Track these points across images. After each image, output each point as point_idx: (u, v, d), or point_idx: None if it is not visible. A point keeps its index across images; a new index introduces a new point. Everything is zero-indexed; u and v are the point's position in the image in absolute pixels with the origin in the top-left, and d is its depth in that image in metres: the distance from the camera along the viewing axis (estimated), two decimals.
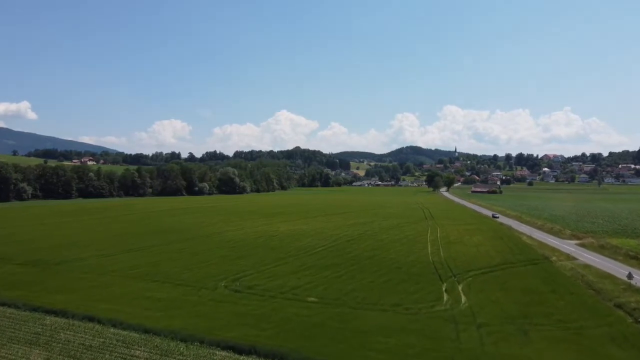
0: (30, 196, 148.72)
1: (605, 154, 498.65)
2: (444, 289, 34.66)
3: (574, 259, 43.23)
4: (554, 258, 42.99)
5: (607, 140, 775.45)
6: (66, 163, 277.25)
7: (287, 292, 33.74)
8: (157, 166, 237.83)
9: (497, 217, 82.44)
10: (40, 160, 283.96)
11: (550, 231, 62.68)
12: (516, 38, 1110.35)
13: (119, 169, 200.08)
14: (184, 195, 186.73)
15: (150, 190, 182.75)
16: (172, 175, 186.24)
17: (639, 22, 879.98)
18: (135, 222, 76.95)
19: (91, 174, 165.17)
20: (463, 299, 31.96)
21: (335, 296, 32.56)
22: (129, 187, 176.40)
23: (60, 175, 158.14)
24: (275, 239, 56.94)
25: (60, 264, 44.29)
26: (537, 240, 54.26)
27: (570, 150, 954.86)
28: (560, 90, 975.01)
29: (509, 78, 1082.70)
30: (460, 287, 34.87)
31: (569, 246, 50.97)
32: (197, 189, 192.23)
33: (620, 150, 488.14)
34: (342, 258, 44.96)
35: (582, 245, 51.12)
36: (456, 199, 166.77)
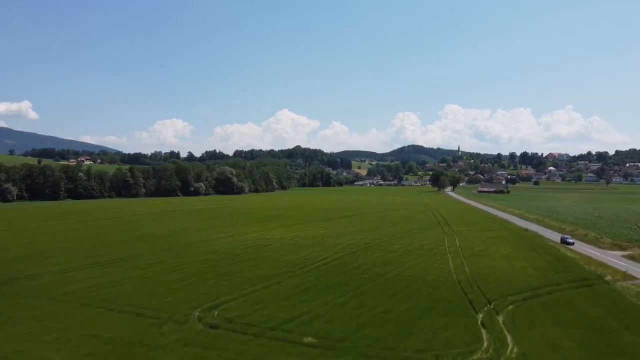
0: (15, 197, 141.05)
1: (610, 152, 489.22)
2: (479, 321, 26.72)
3: (634, 278, 35.20)
4: (608, 277, 34.91)
5: (609, 138, 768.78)
6: (62, 163, 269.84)
7: (277, 327, 25.81)
8: (153, 165, 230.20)
9: (572, 244, 49.42)
10: (36, 160, 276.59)
11: (585, 239, 54.60)
12: (517, 37, 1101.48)
13: (112, 169, 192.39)
14: (179, 195, 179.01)
15: (143, 190, 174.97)
16: (166, 175, 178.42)
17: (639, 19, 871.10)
18: (115, 227, 69.07)
19: (81, 174, 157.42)
20: (509, 339, 23.97)
21: (340, 334, 24.62)
22: (121, 188, 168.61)
23: (47, 175, 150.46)
24: (268, 249, 48.96)
25: (5, 284, 36.44)
26: (576, 251, 46.14)
27: (571, 149, 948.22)
28: (561, 88, 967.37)
29: (510, 77, 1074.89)
30: (501, 320, 26.89)
31: (616, 259, 42.90)
32: (192, 189, 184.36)
33: (627, 149, 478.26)
34: (346, 276, 36.96)
35: (631, 257, 43.08)
36: (465, 200, 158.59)
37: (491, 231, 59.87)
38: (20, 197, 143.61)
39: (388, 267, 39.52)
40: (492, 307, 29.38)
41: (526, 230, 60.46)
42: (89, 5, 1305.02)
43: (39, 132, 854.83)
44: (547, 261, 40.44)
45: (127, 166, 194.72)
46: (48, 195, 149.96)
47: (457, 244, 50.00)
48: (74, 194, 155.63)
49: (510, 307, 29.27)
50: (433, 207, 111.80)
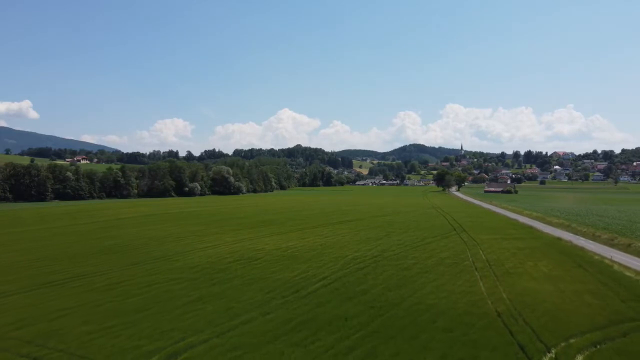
0: None
1: (611, 150, 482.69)
2: None
3: None
4: None
5: (610, 137, 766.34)
6: (58, 162, 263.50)
7: None
8: (148, 165, 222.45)
9: None
10: (33, 160, 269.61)
11: (629, 250, 46.39)
12: (518, 36, 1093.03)
13: (103, 168, 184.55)
14: (172, 196, 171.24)
15: (135, 191, 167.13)
16: (159, 175, 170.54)
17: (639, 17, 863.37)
18: (87, 235, 61.16)
19: (68, 174, 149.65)
20: None
21: None
22: (112, 188, 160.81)
23: (33, 175, 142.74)
24: (257, 264, 40.96)
25: None
26: (630, 267, 37.99)
27: (572, 148, 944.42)
28: (562, 87, 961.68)
29: (511, 76, 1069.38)
30: None
31: None
32: (187, 189, 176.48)
33: (634, 148, 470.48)
34: (352, 304, 28.93)
35: None
36: (474, 201, 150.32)
37: (518, 240, 51.67)
38: (4, 198, 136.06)
39: (404, 290, 31.44)
40: (553, 356, 21.37)
41: (559, 239, 52.18)
42: (90, 4, 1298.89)
43: (39, 132, 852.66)
44: (604, 283, 32.30)
45: (118, 165, 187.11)
46: (34, 196, 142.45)
47: (483, 257, 41.89)
48: (61, 195, 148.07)
49: (579, 358, 21.23)
50: (443, 210, 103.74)
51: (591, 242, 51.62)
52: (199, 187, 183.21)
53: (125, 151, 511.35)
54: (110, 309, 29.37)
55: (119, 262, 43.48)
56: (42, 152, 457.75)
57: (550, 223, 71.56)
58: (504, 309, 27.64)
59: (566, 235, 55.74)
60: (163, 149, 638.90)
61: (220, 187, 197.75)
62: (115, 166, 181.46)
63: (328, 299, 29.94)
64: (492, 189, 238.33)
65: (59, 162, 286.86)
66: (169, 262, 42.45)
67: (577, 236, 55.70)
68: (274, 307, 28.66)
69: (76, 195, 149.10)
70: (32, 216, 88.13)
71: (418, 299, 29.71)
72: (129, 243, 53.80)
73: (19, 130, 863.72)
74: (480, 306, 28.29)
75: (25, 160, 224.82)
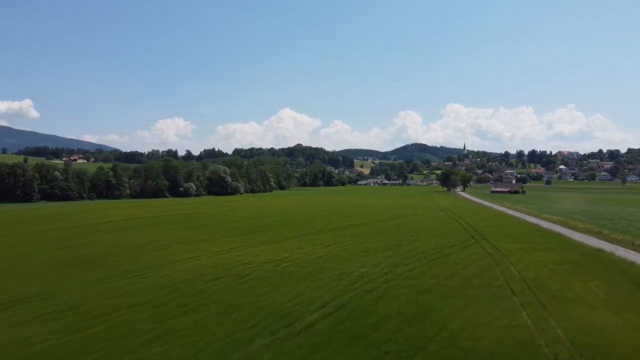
0: None
1: (613, 150, 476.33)
2: None
3: None
4: None
5: (611, 137, 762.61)
6: (55, 161, 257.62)
7: None
8: (143, 164, 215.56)
9: None
10: (24, 159, 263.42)
11: None
12: (519, 35, 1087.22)
13: (93, 167, 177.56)
14: (166, 196, 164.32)
15: (128, 191, 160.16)
16: (152, 175, 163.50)
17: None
18: (57, 242, 54.17)
19: (57, 173, 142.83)
20: None
21: None
22: (103, 188, 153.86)
23: (19, 174, 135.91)
24: (243, 284, 33.85)
25: None
26: None
27: (574, 147, 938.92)
28: (563, 87, 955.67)
29: (512, 76, 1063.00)
30: None
31: None
32: (182, 189, 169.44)
33: (638, 147, 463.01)
34: (361, 347, 21.83)
35: None
36: (484, 202, 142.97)
37: (551, 251, 44.37)
38: None
39: (428, 325, 24.31)
40: None
41: (600, 250, 44.90)
42: (90, 4, 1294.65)
43: (39, 131, 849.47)
44: None
45: (109, 164, 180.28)
46: (20, 196, 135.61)
47: (517, 274, 34.67)
48: (49, 195, 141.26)
49: None
50: (453, 212, 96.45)
51: (633, 252, 44.39)
52: (194, 187, 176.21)
53: (125, 151, 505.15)
54: (45, 350, 22.35)
55: (82, 278, 36.48)
56: (39, 152, 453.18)
57: (576, 228, 64.32)
58: (566, 356, 20.47)
59: (602, 244, 48.52)
60: (163, 148, 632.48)
61: (217, 187, 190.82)
62: (107, 165, 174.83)
63: (329, 339, 22.83)
64: (499, 189, 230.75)
65: (55, 161, 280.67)
66: (139, 280, 35.38)
67: (614, 245, 48.45)
68: (257, 351, 21.55)
69: (65, 196, 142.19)
70: (8, 219, 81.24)
71: (447, 338, 22.56)
72: (102, 253, 46.82)
73: (19, 130, 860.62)
74: (533, 351, 21.13)
75: (20, 160, 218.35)
